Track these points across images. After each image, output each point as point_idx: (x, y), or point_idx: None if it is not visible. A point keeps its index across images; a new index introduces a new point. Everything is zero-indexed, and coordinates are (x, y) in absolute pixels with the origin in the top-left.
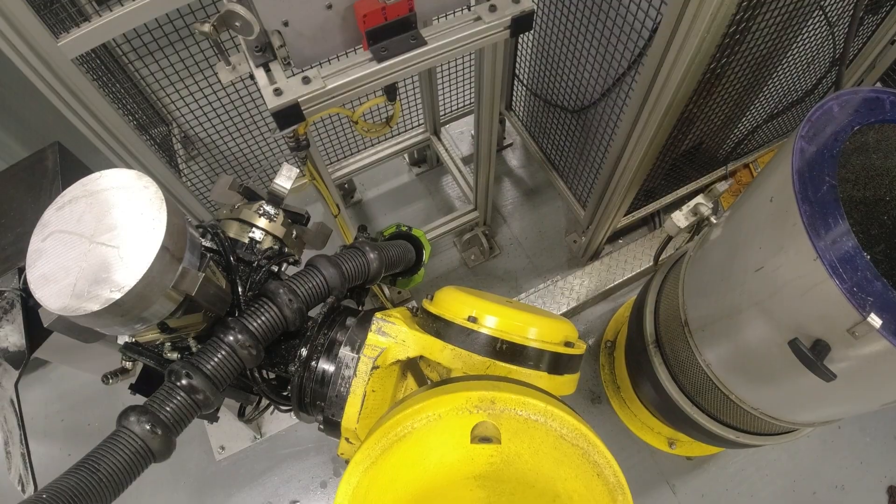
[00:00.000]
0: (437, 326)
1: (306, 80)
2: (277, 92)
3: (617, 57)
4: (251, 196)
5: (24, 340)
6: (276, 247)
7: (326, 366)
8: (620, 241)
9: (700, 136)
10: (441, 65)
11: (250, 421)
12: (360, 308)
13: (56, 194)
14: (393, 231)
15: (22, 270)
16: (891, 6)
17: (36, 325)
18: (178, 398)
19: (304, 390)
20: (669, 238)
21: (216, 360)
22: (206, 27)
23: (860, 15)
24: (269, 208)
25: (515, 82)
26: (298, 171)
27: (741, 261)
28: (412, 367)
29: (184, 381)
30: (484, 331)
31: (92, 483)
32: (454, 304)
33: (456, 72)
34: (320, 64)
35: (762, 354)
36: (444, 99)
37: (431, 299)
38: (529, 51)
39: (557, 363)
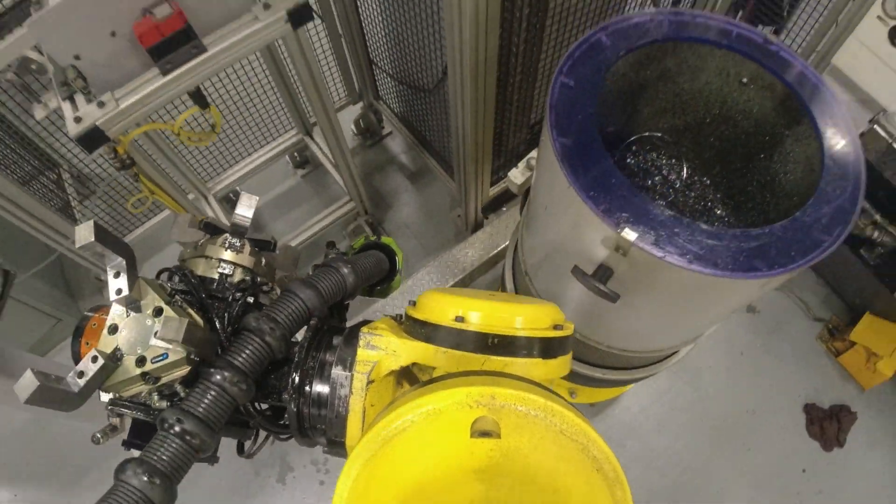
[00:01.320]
0: (425, 331)
1: (101, 104)
2: (77, 119)
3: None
4: (213, 231)
5: None
6: (247, 278)
7: (321, 388)
8: (504, 209)
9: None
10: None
11: (251, 456)
12: (343, 325)
13: None
14: (362, 243)
15: None
16: None
17: None
18: (174, 445)
19: (302, 416)
20: (526, 192)
21: (207, 401)
22: (10, 76)
23: None
24: (235, 240)
25: (376, 70)
26: (257, 198)
27: (538, 203)
28: (407, 374)
29: (177, 428)
30: (472, 328)
31: None
32: (438, 306)
33: None
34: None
35: (575, 291)
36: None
37: (414, 305)
38: (382, 39)
39: (549, 347)
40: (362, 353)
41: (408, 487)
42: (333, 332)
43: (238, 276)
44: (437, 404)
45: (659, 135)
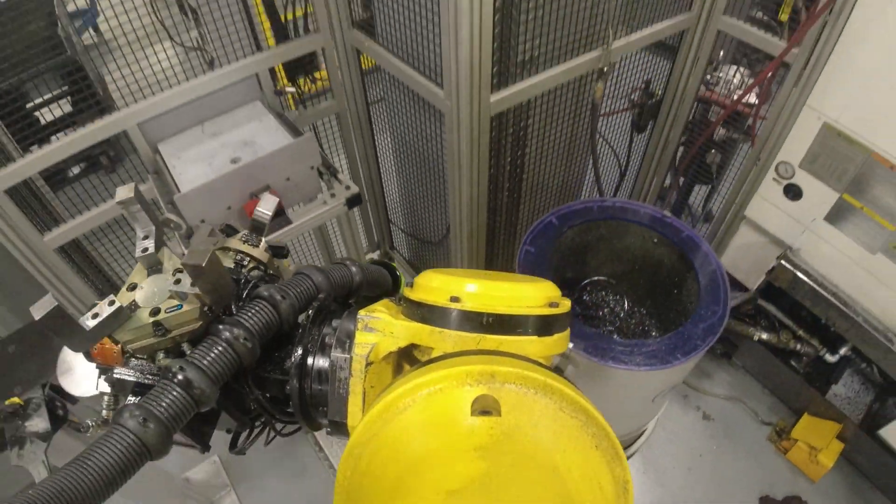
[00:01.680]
0: (421, 312)
1: None
2: None
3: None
4: (232, 232)
5: (49, 425)
6: (260, 268)
7: (322, 363)
8: None
9: None
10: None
11: (242, 452)
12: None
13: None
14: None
15: (45, 384)
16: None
17: (54, 418)
18: (174, 394)
19: (304, 393)
20: None
21: (213, 354)
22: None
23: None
24: (252, 235)
25: (392, 227)
26: (278, 199)
27: None
28: (406, 355)
29: (179, 377)
30: (468, 308)
31: (82, 480)
32: (434, 286)
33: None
34: None
35: None
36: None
37: (411, 286)
38: (399, 203)
39: (545, 325)
40: (360, 336)
41: (409, 466)
42: (333, 315)
43: (251, 266)
44: (437, 384)
45: (605, 278)
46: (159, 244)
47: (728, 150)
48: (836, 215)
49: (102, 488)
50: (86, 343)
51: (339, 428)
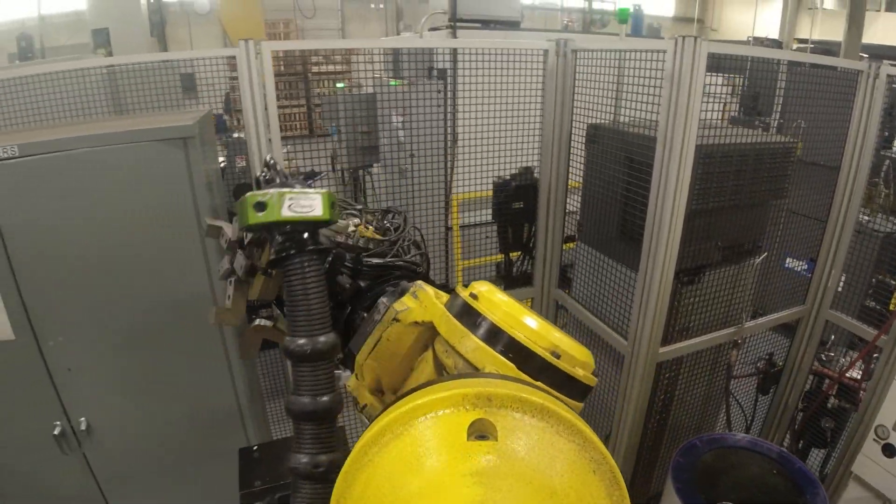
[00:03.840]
0: (457, 306)
1: None
2: None
3: (601, 430)
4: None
5: None
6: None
7: (378, 300)
8: None
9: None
10: None
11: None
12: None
13: None
14: None
15: None
16: (774, 390)
17: None
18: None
19: (355, 314)
20: None
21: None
22: None
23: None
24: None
25: None
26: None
27: None
28: (432, 340)
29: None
30: (505, 334)
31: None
32: (507, 315)
33: None
34: None
35: None
36: None
37: (474, 296)
38: None
39: (573, 385)
40: (407, 297)
41: (405, 493)
42: (411, 278)
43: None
44: (434, 409)
45: (729, 503)
46: None
47: (841, 418)
48: None
49: None
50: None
51: (349, 361)
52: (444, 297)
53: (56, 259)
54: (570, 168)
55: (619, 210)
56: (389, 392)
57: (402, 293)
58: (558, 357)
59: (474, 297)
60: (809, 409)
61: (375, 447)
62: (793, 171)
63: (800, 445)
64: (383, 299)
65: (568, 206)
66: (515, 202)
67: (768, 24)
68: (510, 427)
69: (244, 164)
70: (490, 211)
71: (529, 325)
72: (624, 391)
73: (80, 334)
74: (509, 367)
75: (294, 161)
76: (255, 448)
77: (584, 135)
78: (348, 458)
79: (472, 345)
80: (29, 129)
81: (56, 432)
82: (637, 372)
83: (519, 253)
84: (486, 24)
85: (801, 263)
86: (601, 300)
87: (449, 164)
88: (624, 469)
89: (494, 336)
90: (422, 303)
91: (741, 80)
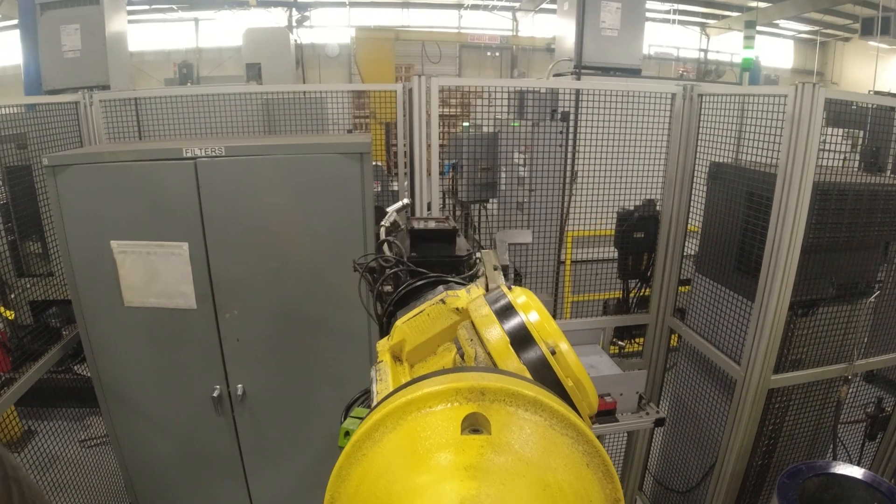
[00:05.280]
0: (499, 306)
1: None
2: None
3: (706, 459)
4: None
5: None
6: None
7: (426, 290)
8: None
9: None
10: None
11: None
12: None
13: None
14: None
15: None
16: (882, 435)
17: None
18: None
19: (410, 297)
20: None
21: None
22: None
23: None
24: None
25: (646, 473)
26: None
27: None
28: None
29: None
30: (528, 330)
31: None
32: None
33: None
34: None
35: None
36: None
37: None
38: (657, 452)
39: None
40: (461, 291)
41: (400, 486)
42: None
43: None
44: (427, 402)
45: None
46: None
47: None
48: None
49: None
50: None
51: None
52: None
53: (242, 244)
54: (691, 208)
55: (737, 243)
56: (406, 363)
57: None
58: (553, 354)
59: (510, 290)
60: None
61: (369, 442)
62: None
63: None
64: (441, 288)
65: (686, 250)
66: (637, 231)
67: (889, 79)
68: (504, 421)
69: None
70: (601, 249)
71: (546, 326)
72: (734, 417)
73: (251, 310)
74: (513, 356)
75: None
76: None
77: (707, 173)
78: (342, 454)
79: (495, 332)
80: (220, 138)
81: (215, 395)
82: (748, 397)
83: (637, 281)
84: (607, 70)
85: None
86: (716, 328)
87: (566, 200)
88: (727, 496)
89: (517, 331)
90: (471, 295)
91: (862, 134)
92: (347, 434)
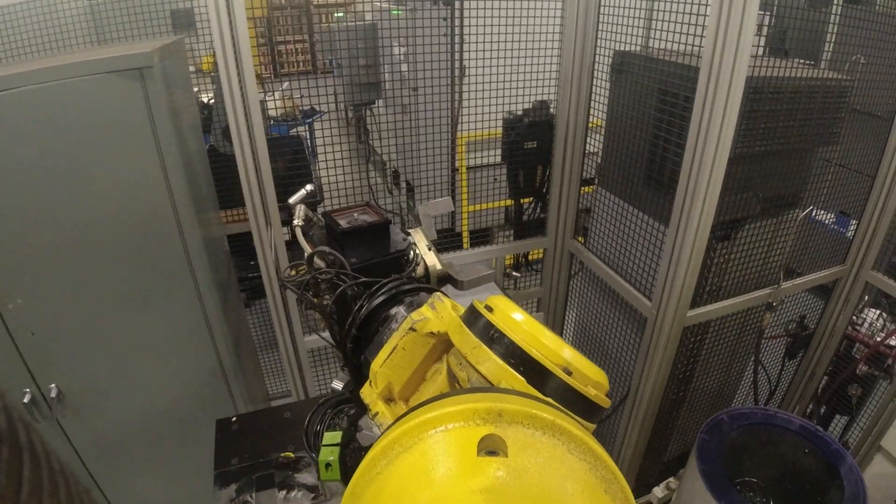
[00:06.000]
0: (477, 322)
1: None
2: None
3: (616, 391)
4: None
5: (317, 482)
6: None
7: (392, 311)
8: None
9: (682, 447)
10: None
11: None
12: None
13: None
14: None
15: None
16: (802, 355)
17: None
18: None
19: (369, 323)
20: None
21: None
22: None
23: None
24: None
25: None
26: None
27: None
28: (447, 353)
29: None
30: (510, 338)
31: None
32: (522, 330)
33: None
34: None
35: None
36: None
37: (490, 308)
38: None
39: (586, 405)
40: (424, 308)
41: None
42: (428, 291)
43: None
44: (443, 423)
45: (755, 480)
46: None
47: (868, 385)
48: None
49: None
50: None
51: (366, 368)
52: (461, 309)
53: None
54: (592, 103)
55: (647, 152)
56: (400, 401)
57: (420, 304)
58: (570, 374)
59: (489, 309)
60: (840, 376)
61: (384, 460)
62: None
63: (822, 412)
64: (401, 309)
65: (588, 147)
66: (528, 141)
67: None
68: (521, 443)
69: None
70: (498, 152)
71: (544, 342)
72: (645, 357)
73: (42, 296)
74: (520, 382)
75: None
76: (233, 420)
77: (610, 64)
78: (356, 472)
79: (485, 357)
80: None
81: (26, 400)
82: (661, 338)
83: (530, 199)
84: None
85: (830, 216)
86: (622, 255)
87: (455, 100)
88: (640, 437)
89: (507, 349)
90: (439, 314)
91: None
92: (329, 466)
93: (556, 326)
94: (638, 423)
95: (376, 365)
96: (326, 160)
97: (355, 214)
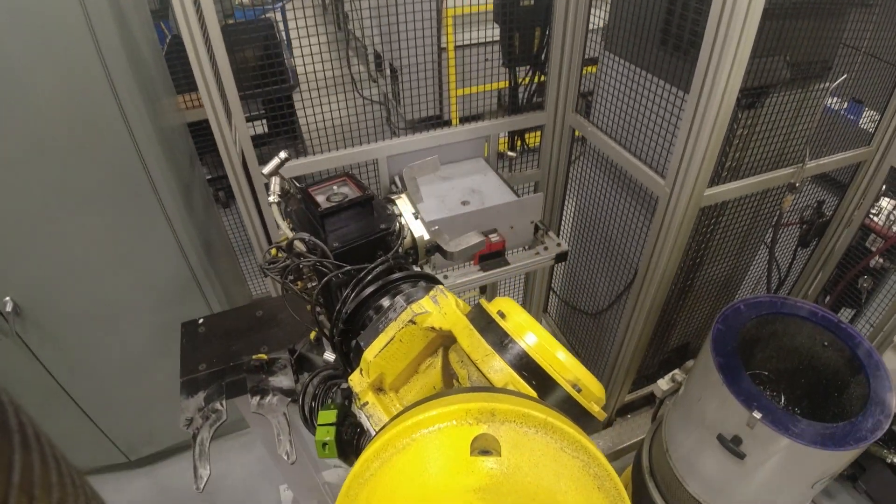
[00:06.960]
0: (500, 340)
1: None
2: None
3: (619, 280)
4: None
5: (293, 384)
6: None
7: (386, 302)
8: (629, 416)
9: (683, 338)
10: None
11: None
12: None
13: None
14: None
15: (293, 352)
16: (815, 244)
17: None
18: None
19: (361, 310)
20: (660, 400)
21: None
22: None
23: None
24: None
25: (551, 294)
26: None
27: (691, 395)
28: (446, 350)
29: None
30: (521, 347)
31: None
32: (519, 320)
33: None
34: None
35: (709, 459)
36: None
37: (502, 314)
38: (562, 272)
39: (586, 421)
40: (426, 300)
41: None
42: (428, 280)
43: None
44: (436, 423)
45: (766, 373)
46: None
47: (880, 279)
48: None
49: None
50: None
51: (358, 354)
52: (464, 305)
53: None
54: None
55: (664, 7)
56: (391, 391)
57: (420, 294)
58: (579, 391)
59: (502, 315)
60: (857, 267)
61: (377, 461)
62: None
63: (826, 300)
64: (399, 299)
65: (591, 22)
66: None
67: None
68: (514, 442)
69: None
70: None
71: (558, 357)
72: (654, 242)
73: None
74: (531, 394)
75: None
76: (200, 322)
77: None
78: (350, 473)
79: (498, 366)
80: None
81: None
82: (675, 220)
83: (528, 67)
84: None
85: (842, 103)
86: (631, 128)
87: None
88: (645, 327)
89: (520, 360)
90: (442, 309)
91: None
92: (325, 445)
93: (556, 212)
94: (644, 313)
95: (370, 354)
96: (301, 48)
97: (335, 187)
